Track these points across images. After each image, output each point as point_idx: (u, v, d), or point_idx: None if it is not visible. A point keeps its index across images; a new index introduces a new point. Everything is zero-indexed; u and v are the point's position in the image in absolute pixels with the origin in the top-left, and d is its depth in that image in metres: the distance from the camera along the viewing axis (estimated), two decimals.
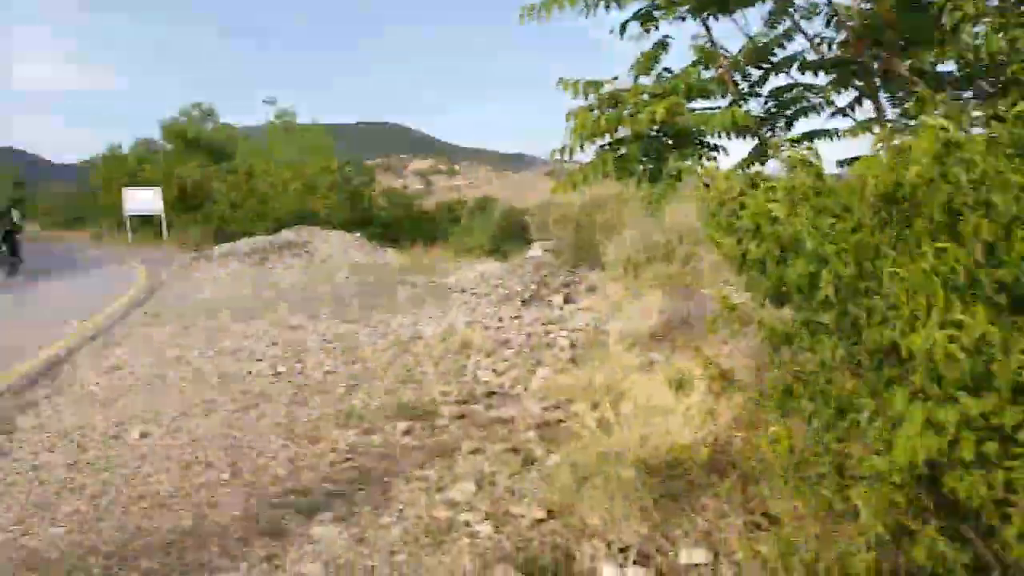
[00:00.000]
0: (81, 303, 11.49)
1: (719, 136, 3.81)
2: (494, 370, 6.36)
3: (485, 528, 3.37)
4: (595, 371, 5.56)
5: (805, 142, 4.14)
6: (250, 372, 6.46)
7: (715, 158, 3.99)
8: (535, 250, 15.85)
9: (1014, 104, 2.27)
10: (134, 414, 5.34)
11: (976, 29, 2.74)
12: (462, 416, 5.15)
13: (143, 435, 4.86)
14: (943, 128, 2.16)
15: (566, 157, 3.93)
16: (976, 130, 2.63)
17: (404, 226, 30.54)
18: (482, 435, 4.76)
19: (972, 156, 2.11)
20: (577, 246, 17.43)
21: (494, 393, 5.75)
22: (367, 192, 31.12)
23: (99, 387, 6.17)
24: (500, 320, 8.44)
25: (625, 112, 3.69)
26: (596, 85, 3.83)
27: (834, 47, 4.03)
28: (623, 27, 4.03)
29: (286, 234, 20.74)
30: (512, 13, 4.18)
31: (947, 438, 2.00)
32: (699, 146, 3.96)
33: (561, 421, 4.96)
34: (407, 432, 4.85)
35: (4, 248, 16.24)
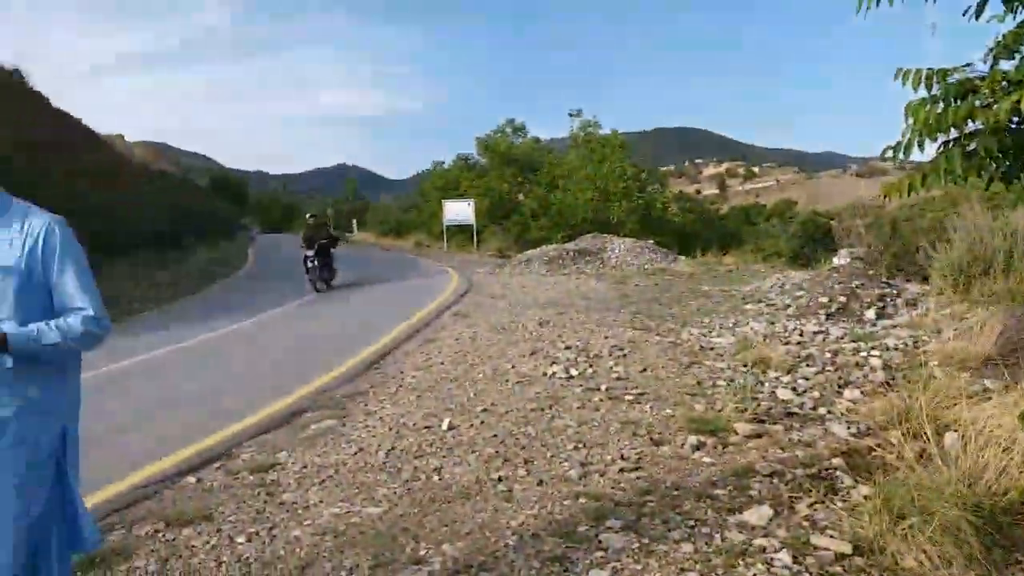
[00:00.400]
0: (402, 304, 12.93)
1: None
2: (794, 388, 5.94)
3: (783, 557, 3.14)
4: (915, 396, 4.93)
5: None
6: (545, 374, 6.74)
7: None
8: (841, 257, 14.58)
9: None
10: (444, 407, 5.85)
11: None
12: (758, 435, 4.87)
13: (451, 427, 5.29)
14: None
15: (901, 156, 3.52)
16: None
17: (697, 232, 30.02)
18: (781, 457, 4.46)
19: None
20: (893, 254, 15.74)
21: (793, 413, 5.36)
22: (660, 199, 31.09)
23: (415, 379, 6.87)
24: (801, 334, 7.89)
25: (978, 103, 3.20)
26: (943, 73, 3.37)
27: None
28: (980, 8, 3.51)
29: (581, 242, 21.44)
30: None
31: None
32: None
33: (872, 449, 4.47)
34: (698, 447, 4.70)
35: (316, 262, 16.09)
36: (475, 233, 31.97)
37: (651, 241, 21.93)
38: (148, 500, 4.31)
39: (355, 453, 4.90)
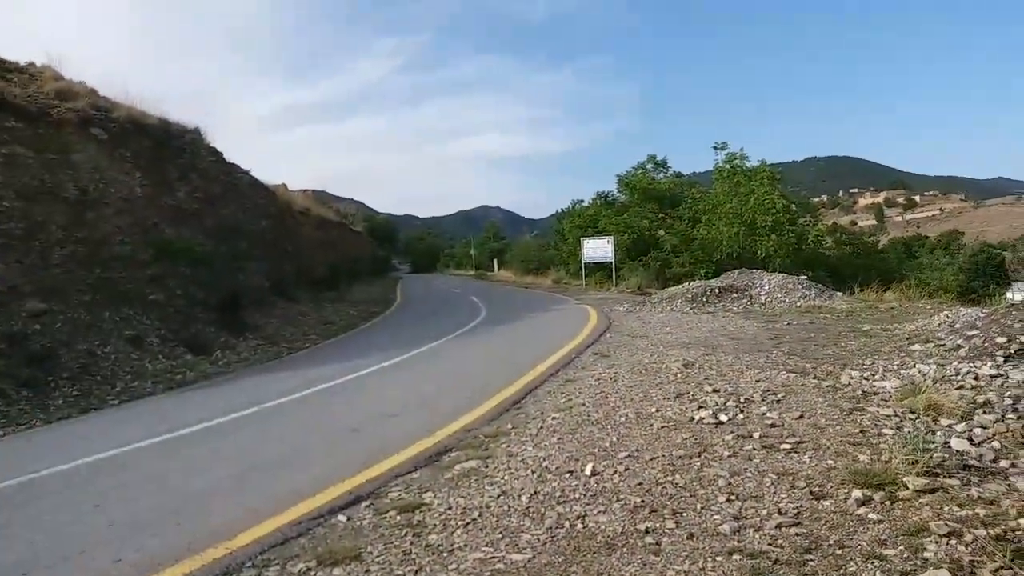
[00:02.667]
0: (540, 343, 12.97)
1: None
2: (970, 438, 5.40)
3: None
4: None
5: None
6: (692, 418, 6.51)
7: None
8: (1018, 292, 13.28)
9: None
10: (586, 451, 5.76)
11: None
12: (932, 490, 4.45)
13: (594, 472, 5.20)
14: None
15: None
16: None
17: (853, 266, 28.34)
18: (959, 516, 4.05)
19: None
20: None
21: (971, 466, 4.86)
22: (812, 231, 29.66)
23: (556, 421, 6.83)
24: (976, 378, 7.19)
25: None
26: None
27: None
28: None
29: (727, 278, 20.75)
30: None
31: None
32: None
33: None
34: (863, 502, 4.35)
35: None
36: (614, 270, 31.77)
37: (804, 277, 20.90)
38: (302, 537, 4.49)
39: (498, 496, 4.91)
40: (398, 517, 4.67)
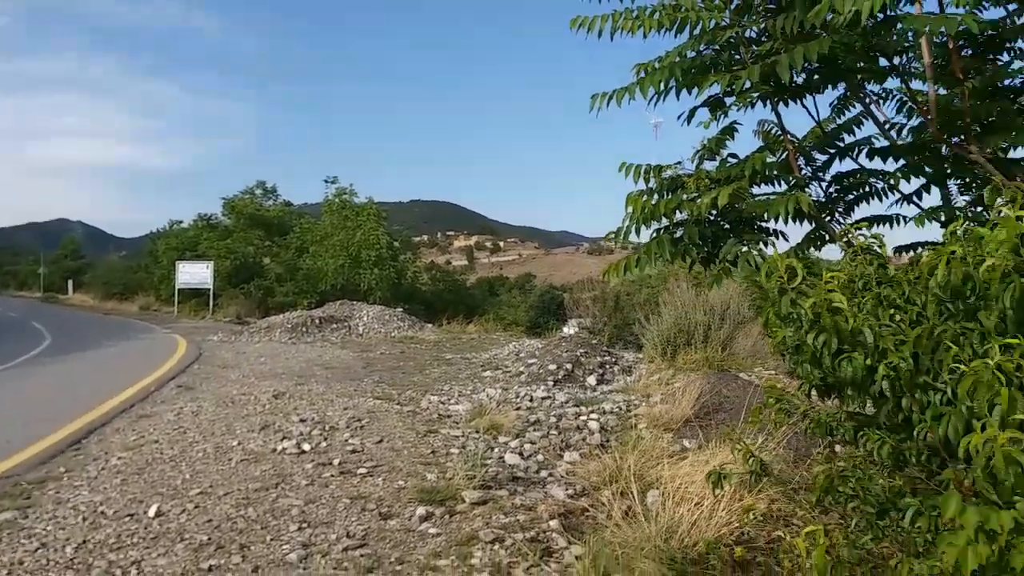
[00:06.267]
0: (116, 376, 11.65)
1: (781, 221, 3.74)
2: (520, 453, 6.19)
3: None
4: (624, 457, 5.35)
5: (867, 228, 4.05)
6: (275, 449, 6.38)
7: (773, 243, 3.91)
8: (570, 327, 15.70)
9: None
10: (154, 491, 5.28)
11: None
12: (484, 502, 4.97)
13: (159, 513, 4.78)
14: (1017, 217, 2.03)
15: (622, 240, 3.92)
16: None
17: (445, 301, 30.77)
18: (504, 523, 4.58)
19: None
20: (615, 325, 17.29)
21: (519, 478, 5.57)
22: (411, 267, 31.54)
23: (122, 461, 6.15)
24: (531, 400, 8.29)
25: (685, 197, 3.65)
26: (658, 170, 3.84)
27: (906, 133, 3.99)
28: (691, 113, 4.05)
29: (328, 308, 20.99)
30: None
31: (999, 545, 1.82)
32: (758, 231, 3.89)
33: (586, 510, 4.75)
34: (426, 518, 4.69)
35: None
36: (212, 297, 30.02)
37: (400, 309, 22.07)
38: None
39: (36, 550, 4.23)
40: None
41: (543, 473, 5.71)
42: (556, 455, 6.19)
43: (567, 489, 5.20)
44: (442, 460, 6.05)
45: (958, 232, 2.21)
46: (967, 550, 1.72)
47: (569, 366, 9.87)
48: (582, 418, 7.32)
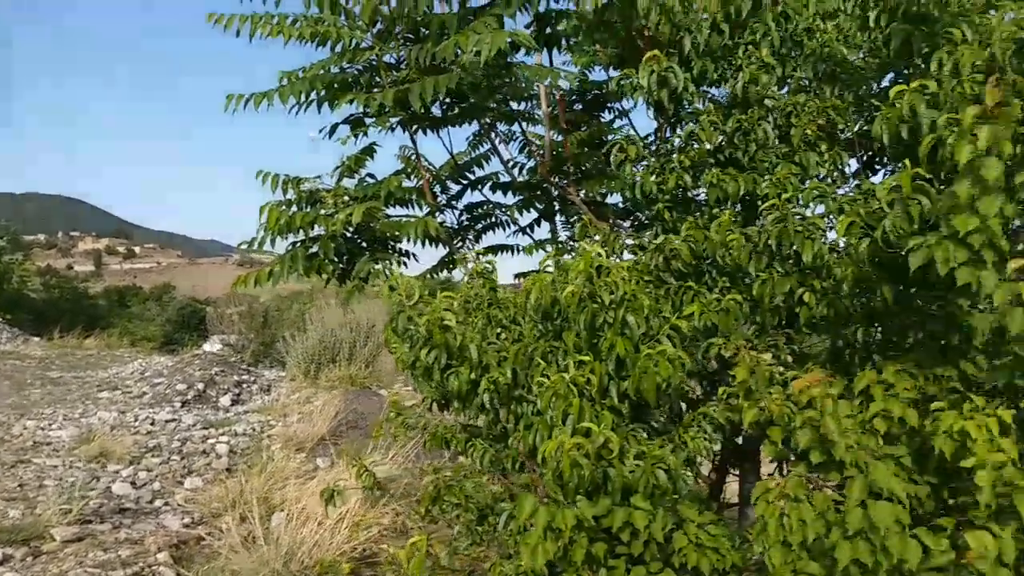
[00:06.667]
0: None
1: (413, 243, 3.83)
2: (133, 482, 5.57)
3: None
4: (250, 480, 5.10)
5: (488, 255, 4.35)
6: None
7: (405, 263, 4.01)
8: (212, 344, 14.72)
9: (656, 236, 2.56)
10: None
11: (635, 169, 3.10)
12: (80, 538, 4.36)
13: None
14: (596, 253, 2.32)
15: (255, 249, 3.71)
16: (627, 256, 2.94)
17: (62, 311, 26.78)
18: (102, 560, 4.05)
19: (615, 280, 2.28)
20: (262, 342, 16.57)
21: (127, 509, 4.99)
22: (18, 270, 26.90)
23: None
24: (152, 423, 7.53)
25: (322, 212, 3.56)
26: (296, 182, 3.68)
27: (525, 171, 4.36)
28: (332, 129, 3.97)
29: None
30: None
31: (564, 541, 2.04)
32: (391, 251, 3.94)
33: (202, 538, 4.42)
34: (3, 561, 3.97)
35: None
36: None
37: (1, 319, 18.67)
38: None
39: None
40: None
41: (158, 503, 5.20)
42: (176, 482, 5.68)
43: (183, 518, 4.80)
44: (32, 494, 5.19)
45: (549, 262, 2.50)
46: (537, 548, 1.90)
47: (201, 386, 9.16)
48: (210, 441, 6.82)
